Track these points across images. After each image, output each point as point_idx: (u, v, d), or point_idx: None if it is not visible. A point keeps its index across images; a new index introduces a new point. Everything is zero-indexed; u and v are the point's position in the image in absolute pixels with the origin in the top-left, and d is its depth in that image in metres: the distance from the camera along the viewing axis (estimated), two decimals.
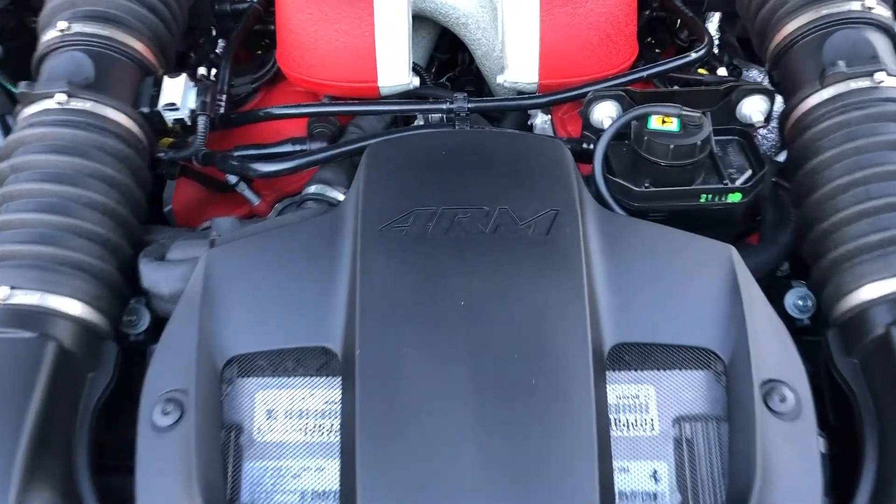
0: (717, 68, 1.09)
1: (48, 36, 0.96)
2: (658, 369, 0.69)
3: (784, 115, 0.95)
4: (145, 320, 0.84)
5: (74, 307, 0.77)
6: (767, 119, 0.94)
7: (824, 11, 0.94)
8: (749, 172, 0.87)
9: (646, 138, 0.83)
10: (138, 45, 0.98)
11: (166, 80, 0.96)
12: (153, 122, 0.96)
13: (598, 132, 0.90)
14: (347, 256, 0.72)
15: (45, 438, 0.68)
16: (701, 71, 1.09)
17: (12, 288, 0.75)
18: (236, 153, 1.00)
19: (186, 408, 0.66)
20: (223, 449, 0.67)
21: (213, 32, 1.22)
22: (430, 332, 0.67)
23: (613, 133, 0.86)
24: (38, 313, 0.74)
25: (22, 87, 0.89)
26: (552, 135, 1.10)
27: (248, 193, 1.08)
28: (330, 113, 1.04)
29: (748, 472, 0.64)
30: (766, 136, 1.08)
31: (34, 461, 0.65)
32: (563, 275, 0.70)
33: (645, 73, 1.00)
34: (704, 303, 0.71)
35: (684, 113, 0.82)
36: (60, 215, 0.80)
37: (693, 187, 0.84)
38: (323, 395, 0.69)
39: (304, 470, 0.67)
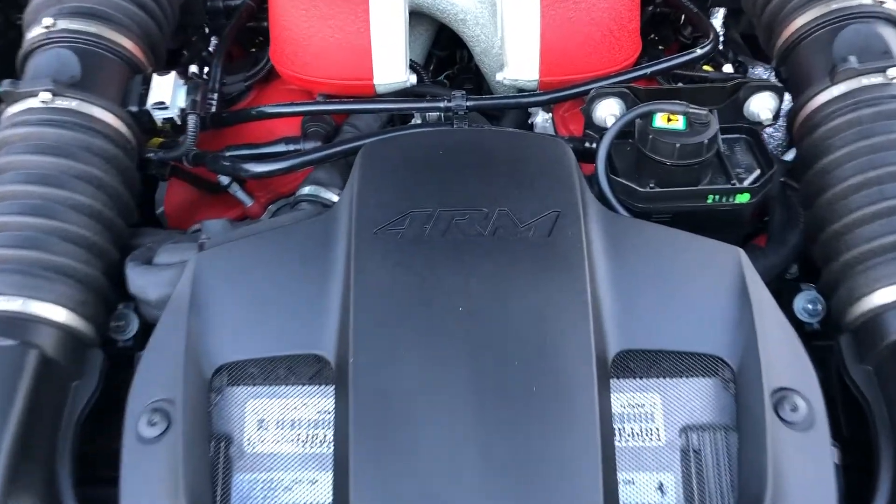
0: (722, 65, 1.08)
1: (33, 33, 0.95)
2: (664, 377, 0.68)
3: (793, 113, 0.93)
4: (134, 326, 0.83)
5: (58, 314, 0.75)
6: (776, 117, 0.92)
7: (834, 6, 0.93)
8: (757, 172, 0.85)
9: (650, 137, 0.81)
10: (127, 43, 0.96)
11: (155, 78, 0.95)
12: (142, 122, 0.94)
13: (601, 130, 0.89)
14: (341, 260, 0.71)
15: (26, 449, 0.66)
16: (706, 68, 1.08)
17: None
18: (228, 153, 0.99)
19: (173, 418, 0.65)
20: (212, 461, 0.66)
21: (206, 30, 1.21)
22: (426, 340, 0.65)
23: (617, 131, 0.84)
24: (21, 320, 0.73)
25: (5, 86, 0.88)
26: (553, 133, 1.09)
27: (240, 195, 1.07)
28: (324, 111, 1.03)
29: (759, 484, 0.62)
30: (773, 135, 1.07)
31: (14, 472, 0.64)
32: (565, 279, 0.69)
33: (649, 70, 0.99)
34: (712, 307, 0.70)
35: (690, 110, 0.81)
36: (44, 218, 0.78)
37: (700, 187, 0.83)
38: (316, 404, 0.68)
39: (297, 483, 0.66)
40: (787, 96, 0.96)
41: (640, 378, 0.68)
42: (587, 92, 0.94)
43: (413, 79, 1.02)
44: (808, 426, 0.65)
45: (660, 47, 1.21)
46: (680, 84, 1.04)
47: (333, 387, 0.68)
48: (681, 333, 0.68)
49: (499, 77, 1.04)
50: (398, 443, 0.61)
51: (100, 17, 0.95)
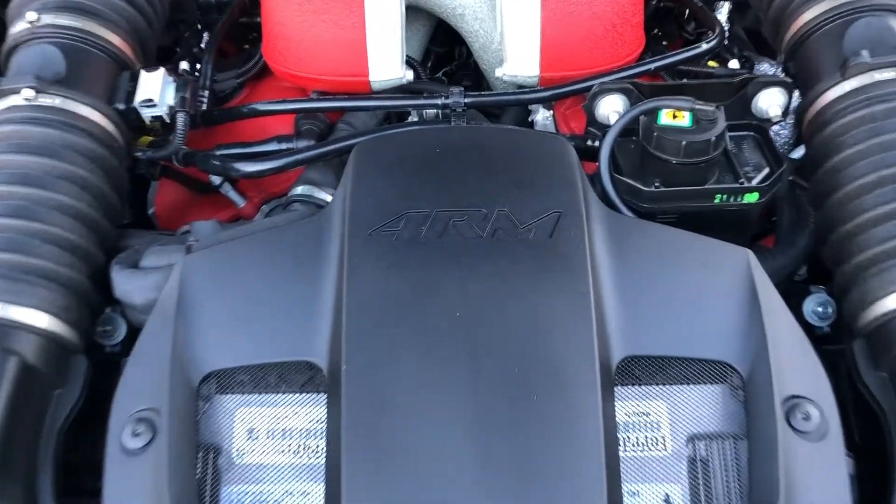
0: (728, 60, 1.07)
1: (17, 28, 0.93)
2: (670, 384, 0.67)
3: (802, 110, 0.92)
4: (121, 331, 0.81)
5: (40, 319, 0.73)
6: (785, 113, 0.91)
7: None
8: (766, 171, 0.84)
9: (656, 134, 0.80)
10: (114, 39, 0.95)
11: (143, 75, 0.94)
12: (130, 120, 0.93)
13: (604, 128, 0.88)
14: (333, 263, 0.70)
15: (5, 460, 0.65)
16: (711, 64, 1.07)
17: None
18: (218, 152, 0.98)
19: (158, 428, 0.64)
20: (199, 472, 0.65)
21: (199, 26, 1.20)
22: (422, 346, 0.64)
23: (621, 129, 0.83)
24: (0, 326, 0.71)
25: None
26: (554, 131, 1.08)
27: (232, 195, 1.06)
28: (318, 109, 1.01)
29: (771, 496, 0.60)
30: (779, 133, 1.05)
31: None
32: (568, 282, 0.68)
33: (653, 66, 0.98)
34: (720, 312, 0.69)
35: (697, 107, 0.80)
36: (27, 220, 0.77)
37: (707, 187, 0.81)
38: (308, 413, 0.67)
39: (288, 495, 0.64)
40: (795, 93, 0.94)
41: (646, 385, 0.67)
42: (589, 88, 0.92)
43: (410, 75, 1.02)
44: (821, 436, 0.63)
45: (663, 43, 1.20)
46: (685, 80, 1.03)
47: (326, 395, 0.66)
48: (687, 339, 0.67)
49: (498, 73, 1.03)
50: (392, 454, 0.60)
51: (86, 11, 0.93)
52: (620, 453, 0.63)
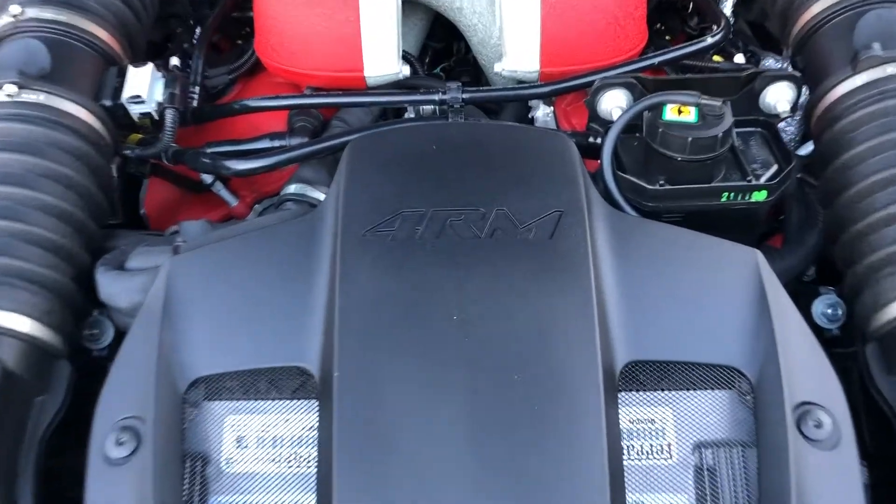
0: (733, 55, 1.06)
1: (0, 22, 0.92)
2: (676, 390, 0.66)
3: (810, 105, 0.91)
4: (109, 334, 0.80)
5: (22, 323, 0.72)
6: (794, 109, 0.90)
7: None
8: (774, 168, 0.84)
9: (660, 130, 0.79)
10: (101, 33, 0.94)
11: (131, 71, 0.93)
12: (117, 117, 0.92)
13: (607, 124, 0.87)
14: (326, 265, 0.69)
15: None
16: (716, 58, 1.06)
17: None
18: (209, 150, 0.97)
19: (143, 437, 0.62)
20: (189, 482, 0.64)
21: (192, 21, 1.19)
22: (417, 351, 0.63)
23: (624, 125, 0.82)
24: None
25: None
26: (555, 128, 1.07)
27: (224, 194, 1.05)
28: (312, 105, 1.01)
29: None
30: (785, 129, 1.05)
31: None
32: (569, 284, 0.66)
33: (656, 60, 0.97)
34: (727, 314, 0.68)
35: (703, 102, 0.79)
36: (8, 220, 0.75)
37: (713, 185, 0.80)
38: (300, 420, 0.65)
39: None
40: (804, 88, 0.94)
41: (651, 391, 0.66)
42: (591, 83, 0.91)
43: (406, 70, 1.01)
44: (833, 444, 0.62)
45: (666, 38, 1.20)
46: (689, 75, 1.02)
47: (318, 402, 0.65)
48: (694, 343, 0.66)
49: (497, 68, 1.02)
50: (386, 464, 0.58)
51: (72, 5, 0.92)
52: (624, 462, 0.62)
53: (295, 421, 0.65)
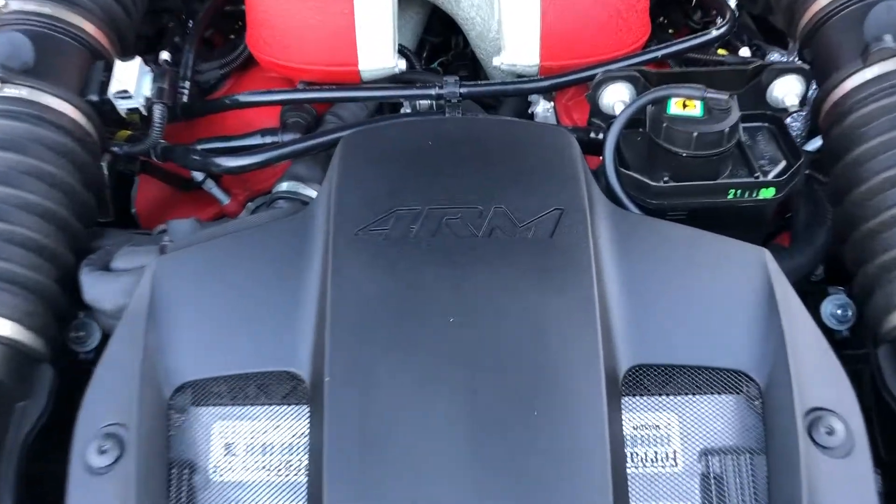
0: (738, 48, 1.06)
1: None
2: (682, 394, 0.65)
3: (819, 99, 0.90)
4: (96, 337, 0.80)
5: (2, 326, 0.70)
6: (803, 103, 0.89)
7: None
8: (783, 164, 0.83)
9: (665, 125, 0.78)
10: (88, 27, 0.92)
11: (118, 65, 0.91)
12: (104, 113, 0.90)
13: (609, 119, 0.87)
14: (317, 265, 0.68)
15: None
16: (721, 52, 1.05)
17: None
18: (199, 147, 0.96)
19: (127, 445, 0.61)
20: (175, 491, 0.62)
21: (184, 15, 1.18)
22: (411, 355, 0.62)
23: (627, 119, 0.81)
24: None
25: None
26: (555, 123, 1.07)
27: (216, 192, 1.04)
28: (305, 100, 0.99)
29: None
30: (791, 125, 1.03)
31: None
32: (570, 285, 0.65)
33: (660, 53, 0.96)
34: (735, 316, 0.66)
35: (709, 95, 0.78)
36: None
37: (719, 181, 0.79)
38: (290, 426, 0.64)
39: None
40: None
41: (655, 396, 0.64)
42: (592, 77, 0.90)
43: (402, 64, 0.99)
44: (846, 452, 0.61)
45: (669, 31, 1.18)
46: (694, 68, 1.02)
47: (308, 407, 0.64)
48: (700, 346, 0.65)
49: (496, 62, 1.01)
50: (377, 472, 0.57)
51: None
52: (628, 469, 0.61)
53: (285, 427, 0.64)
